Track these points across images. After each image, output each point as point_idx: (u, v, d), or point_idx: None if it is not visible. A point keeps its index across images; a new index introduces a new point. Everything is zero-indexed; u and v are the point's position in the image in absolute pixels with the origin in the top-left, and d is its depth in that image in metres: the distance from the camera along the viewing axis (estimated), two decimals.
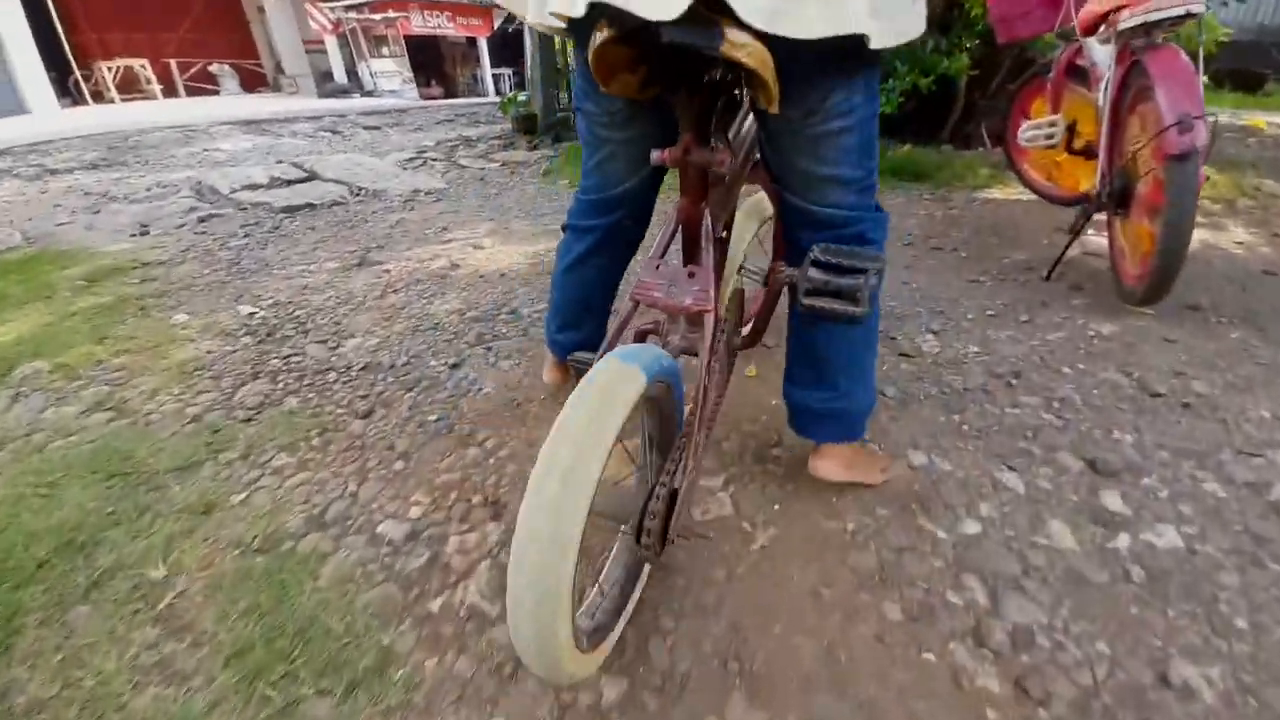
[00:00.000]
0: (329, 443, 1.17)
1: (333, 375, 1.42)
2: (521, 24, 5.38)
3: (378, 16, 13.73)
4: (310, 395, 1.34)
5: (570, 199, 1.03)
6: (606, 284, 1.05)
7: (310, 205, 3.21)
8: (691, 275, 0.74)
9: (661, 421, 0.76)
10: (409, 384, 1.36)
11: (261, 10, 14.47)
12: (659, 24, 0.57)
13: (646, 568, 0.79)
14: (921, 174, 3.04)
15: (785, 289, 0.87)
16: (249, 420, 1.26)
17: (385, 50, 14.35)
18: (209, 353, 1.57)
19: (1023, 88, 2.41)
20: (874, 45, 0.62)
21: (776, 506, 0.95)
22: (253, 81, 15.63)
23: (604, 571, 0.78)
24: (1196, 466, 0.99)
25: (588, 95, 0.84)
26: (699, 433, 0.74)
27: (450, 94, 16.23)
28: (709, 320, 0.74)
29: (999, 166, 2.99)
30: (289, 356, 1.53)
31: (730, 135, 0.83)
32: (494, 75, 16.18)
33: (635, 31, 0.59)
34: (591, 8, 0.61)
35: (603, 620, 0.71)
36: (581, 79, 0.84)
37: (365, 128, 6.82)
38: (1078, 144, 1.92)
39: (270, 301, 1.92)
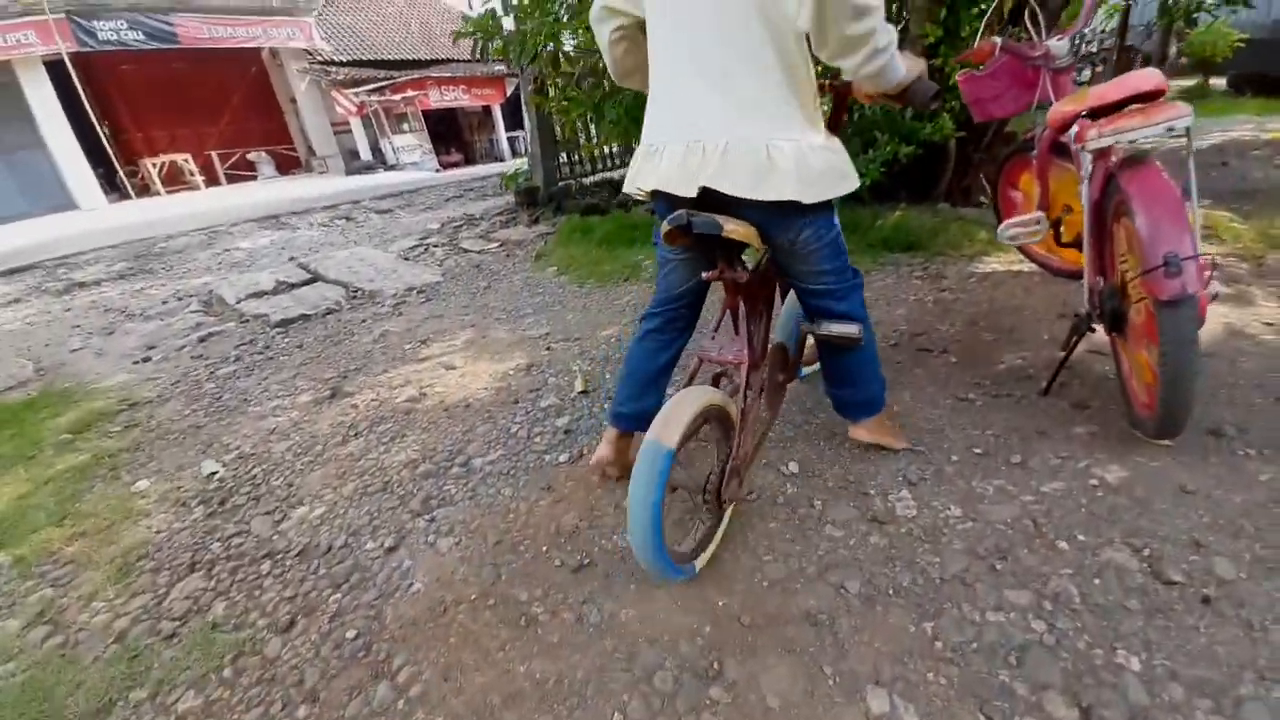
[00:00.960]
0: (241, 672, 1.09)
1: (267, 565, 1.35)
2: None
3: (398, 97, 14.55)
4: (238, 597, 1.27)
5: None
6: (664, 359, 1.34)
7: (304, 316, 3.27)
8: (733, 340, 1.19)
9: (721, 430, 1.15)
10: (338, 579, 1.28)
11: (294, 100, 15.53)
12: (691, 219, 0.96)
13: (726, 516, 1.21)
14: (915, 243, 2.89)
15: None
16: (172, 636, 1.20)
17: (406, 126, 15.14)
18: (158, 533, 1.54)
19: (1008, 160, 2.27)
20: (807, 201, 1.00)
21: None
22: (287, 164, 16.66)
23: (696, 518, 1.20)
24: (1213, 710, 0.81)
25: (659, 237, 1.13)
26: (740, 435, 1.13)
27: (469, 159, 16.95)
28: (744, 368, 1.16)
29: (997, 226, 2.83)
30: (232, 537, 1.48)
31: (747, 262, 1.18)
32: (509, 138, 16.85)
33: (683, 226, 0.97)
34: (652, 193, 1.09)
35: (696, 546, 1.14)
36: (656, 228, 1.17)
37: (378, 212, 7.08)
38: (1067, 236, 1.77)
39: (235, 453, 1.90)
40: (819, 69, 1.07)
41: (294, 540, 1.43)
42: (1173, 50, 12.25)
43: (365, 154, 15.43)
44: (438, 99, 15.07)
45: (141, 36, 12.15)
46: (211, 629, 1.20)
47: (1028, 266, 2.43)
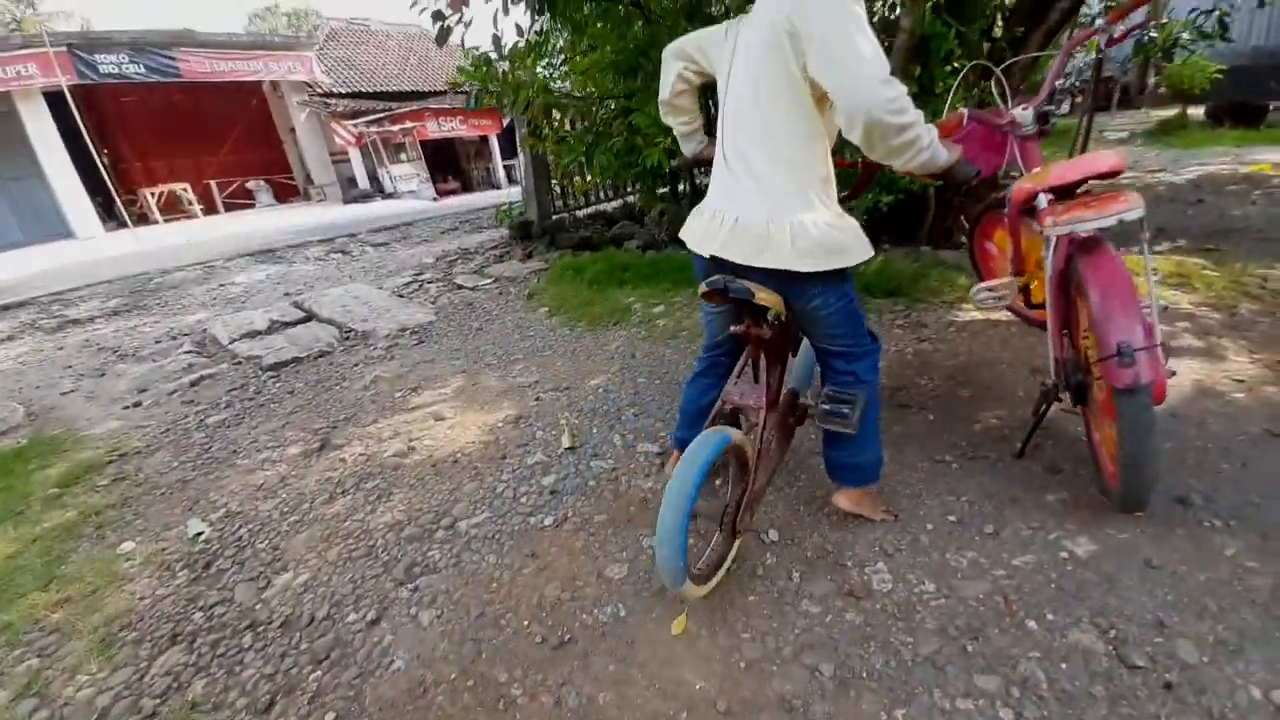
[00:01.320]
0: None
1: (249, 638, 1.36)
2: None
3: (396, 128, 14.79)
4: (219, 674, 1.27)
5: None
6: (709, 398, 1.44)
7: (297, 360, 3.29)
8: (753, 387, 1.33)
9: (739, 466, 1.30)
10: (320, 654, 1.28)
11: (293, 131, 15.76)
12: (728, 285, 1.12)
13: (736, 545, 1.34)
14: (896, 289, 2.96)
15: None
16: (152, 716, 1.20)
17: (404, 156, 15.36)
18: (142, 600, 1.54)
19: (982, 215, 2.34)
20: (802, 270, 1.11)
21: None
22: (285, 193, 16.84)
23: (710, 543, 1.33)
24: None
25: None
26: (755, 471, 1.28)
27: (466, 187, 17.17)
28: (761, 412, 1.29)
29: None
30: (215, 605, 1.48)
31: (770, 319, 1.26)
32: (505, 166, 17.10)
33: (720, 289, 1.13)
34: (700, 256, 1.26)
35: (710, 568, 1.29)
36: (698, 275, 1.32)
37: (374, 245, 7.15)
38: (1037, 297, 1.82)
39: (222, 511, 1.91)
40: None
41: (277, 610, 1.43)
42: (1151, 80, 12.62)
43: (363, 183, 15.63)
44: (435, 130, 15.32)
45: (143, 70, 12.37)
46: (191, 709, 1.20)
47: (1004, 316, 2.49)
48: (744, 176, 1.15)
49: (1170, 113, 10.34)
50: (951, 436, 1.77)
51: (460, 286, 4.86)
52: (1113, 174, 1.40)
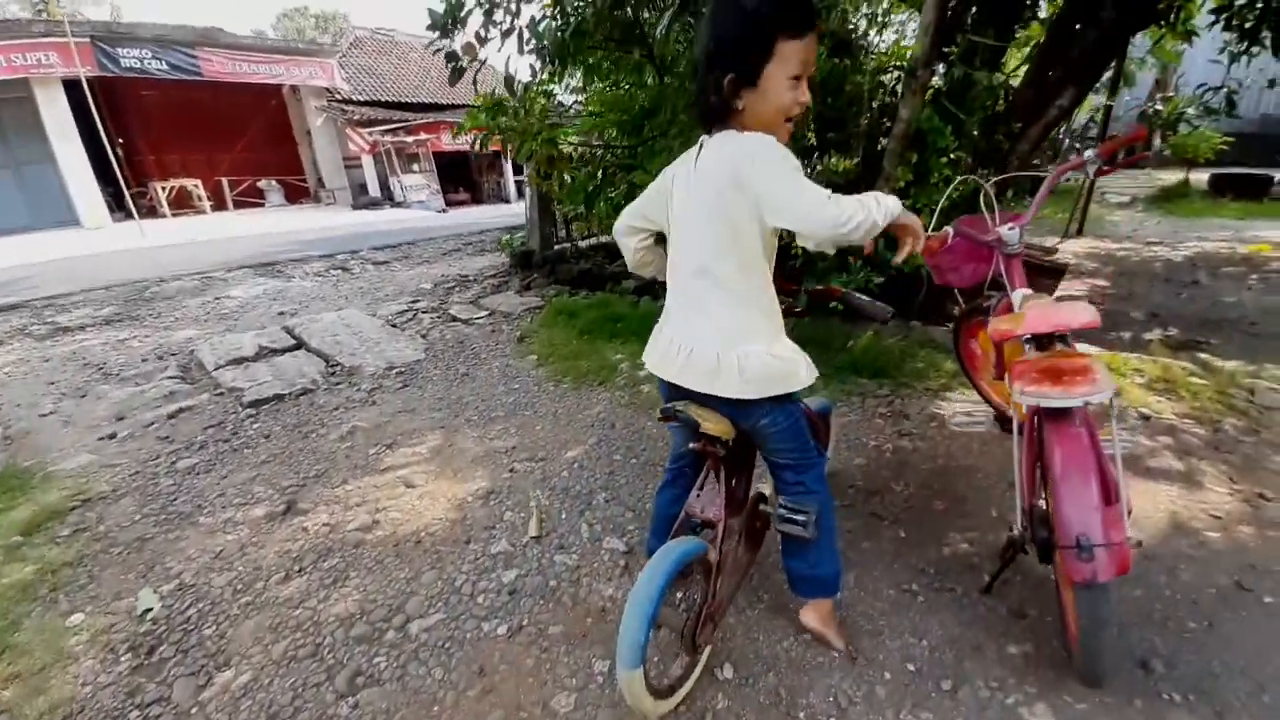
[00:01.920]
0: None
1: None
2: None
3: (411, 139, 14.95)
4: None
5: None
6: (679, 507, 1.42)
7: (278, 397, 3.27)
8: (713, 499, 1.35)
9: (703, 577, 1.32)
10: None
11: (309, 134, 15.93)
12: (677, 413, 1.22)
13: (702, 659, 1.39)
14: (882, 369, 2.94)
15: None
16: None
17: (416, 167, 15.51)
18: (85, 685, 1.50)
19: (966, 318, 2.34)
20: (749, 398, 1.19)
21: None
22: (296, 194, 16.98)
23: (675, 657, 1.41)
24: None
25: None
26: (714, 582, 1.31)
27: (476, 199, 17.31)
28: (720, 524, 1.33)
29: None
30: (152, 704, 1.44)
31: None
32: (516, 181, 17.24)
33: (672, 415, 1.24)
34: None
35: (672, 684, 1.31)
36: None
37: (374, 263, 7.18)
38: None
39: (175, 583, 1.87)
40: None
41: (212, 717, 1.39)
42: (1157, 142, 12.76)
43: (374, 190, 15.76)
44: (449, 142, 15.47)
45: (165, 67, 12.53)
46: None
47: (987, 412, 2.47)
48: (697, 313, 1.23)
49: (1173, 178, 10.42)
50: (921, 559, 1.73)
51: (454, 318, 4.85)
52: (1086, 329, 1.40)
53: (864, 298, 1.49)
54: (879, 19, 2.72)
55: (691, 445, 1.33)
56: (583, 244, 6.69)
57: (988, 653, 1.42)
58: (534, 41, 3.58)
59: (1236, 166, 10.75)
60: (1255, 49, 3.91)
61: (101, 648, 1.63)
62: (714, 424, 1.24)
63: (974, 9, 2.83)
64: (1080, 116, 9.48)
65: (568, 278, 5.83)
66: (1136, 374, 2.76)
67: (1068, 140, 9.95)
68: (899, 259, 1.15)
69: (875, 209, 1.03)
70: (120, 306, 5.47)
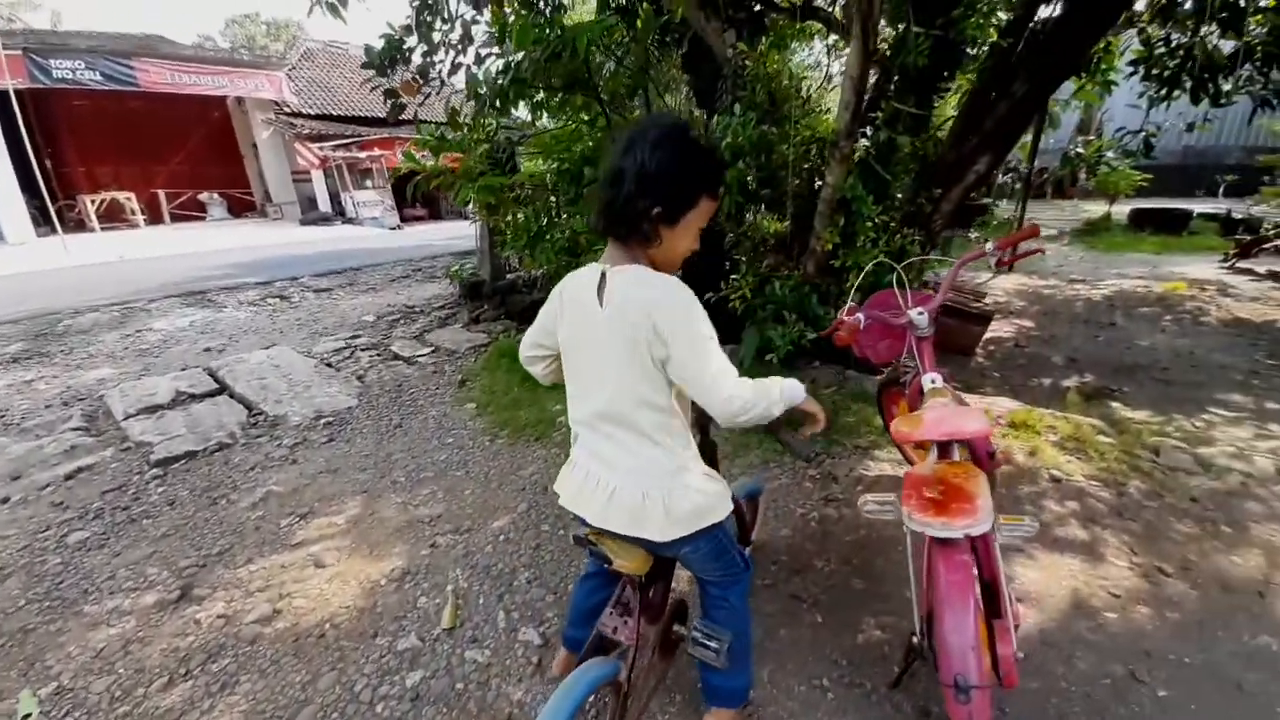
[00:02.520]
0: None
1: None
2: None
3: (363, 154, 14.60)
4: None
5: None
6: (598, 598, 1.44)
7: (190, 455, 3.07)
8: (625, 621, 1.32)
9: (616, 698, 1.32)
10: None
11: (255, 146, 15.37)
12: (590, 549, 1.25)
13: None
14: None
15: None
16: None
17: (369, 182, 15.14)
18: None
19: (885, 388, 2.40)
20: (673, 539, 1.18)
21: None
22: (241, 207, 16.32)
23: None
24: None
25: None
26: (623, 703, 1.31)
27: (434, 215, 17.00)
28: (631, 650, 1.31)
29: None
30: None
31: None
32: None
33: (584, 540, 1.25)
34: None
35: None
36: None
37: (316, 290, 6.91)
38: None
39: (54, 686, 1.71)
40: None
41: None
42: (1082, 176, 13.56)
43: (324, 205, 15.30)
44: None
45: (99, 77, 11.92)
46: None
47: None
48: (616, 451, 1.19)
49: (1095, 210, 11.10)
50: (835, 648, 1.73)
51: (396, 356, 4.70)
52: (976, 437, 1.44)
53: (793, 439, 1.45)
54: (804, 94, 2.80)
55: (607, 568, 1.30)
56: (536, 272, 6.62)
57: None
58: (472, 89, 3.53)
59: (1159, 198, 11.56)
60: (1176, 93, 4.21)
61: None
62: (628, 560, 1.23)
63: (895, 79, 2.94)
64: (1013, 156, 10.01)
65: (519, 309, 5.75)
66: (1050, 431, 2.88)
67: (999, 174, 10.50)
68: (802, 436, 1.29)
69: (776, 399, 1.13)
70: (30, 342, 5.08)
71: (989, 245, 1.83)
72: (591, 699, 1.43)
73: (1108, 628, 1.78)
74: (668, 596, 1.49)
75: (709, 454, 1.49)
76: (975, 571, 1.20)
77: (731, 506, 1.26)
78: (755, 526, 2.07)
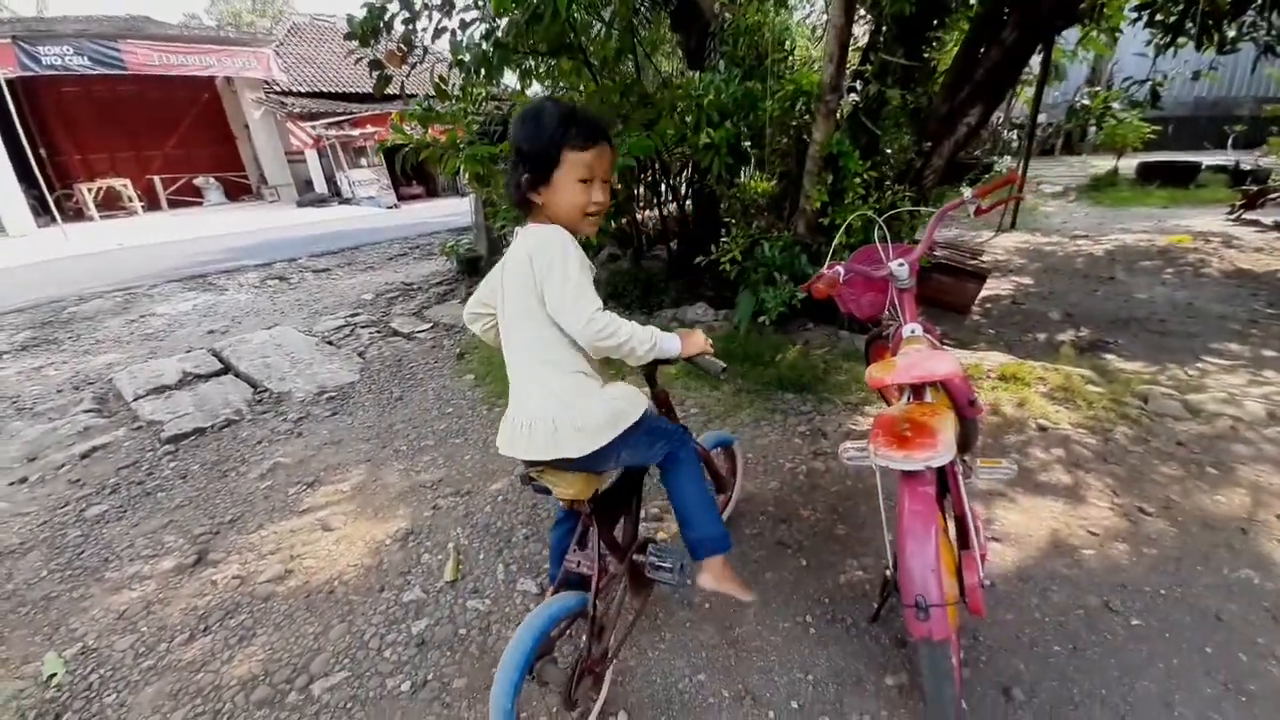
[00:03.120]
0: None
1: None
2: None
3: (357, 131, 14.42)
4: None
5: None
6: (571, 540, 1.51)
7: (199, 431, 3.16)
8: (588, 553, 1.42)
9: (587, 632, 1.36)
10: None
11: (247, 128, 15.20)
12: (531, 482, 1.33)
13: (595, 713, 1.45)
14: (807, 384, 3.02)
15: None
16: None
17: (364, 161, 14.99)
18: None
19: (872, 342, 2.42)
20: (585, 453, 1.23)
21: None
22: (237, 191, 16.23)
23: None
24: None
25: None
26: (593, 636, 1.36)
27: (431, 192, 16.86)
28: (594, 578, 1.37)
29: None
30: None
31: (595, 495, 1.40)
32: None
33: (526, 477, 1.33)
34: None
35: None
36: None
37: (315, 271, 6.95)
38: None
39: (79, 646, 1.82)
40: None
41: None
42: (1091, 130, 13.22)
43: (320, 186, 15.19)
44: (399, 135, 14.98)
45: (87, 62, 11.77)
46: None
47: None
48: (531, 387, 1.30)
49: (1104, 166, 10.85)
50: (818, 589, 1.81)
51: (395, 332, 4.76)
52: (948, 379, 1.47)
53: (700, 361, 1.43)
54: (788, 46, 2.75)
55: (562, 505, 1.41)
56: None
57: (867, 686, 1.49)
58: (455, 55, 3.49)
59: (1167, 152, 11.28)
60: (1181, 40, 4.11)
61: (14, 713, 1.58)
62: (567, 487, 1.30)
63: (885, 30, 2.88)
64: (1018, 105, 9.74)
65: None
66: (1040, 383, 2.91)
67: (1005, 130, 10.26)
68: (687, 354, 1.35)
69: (644, 339, 1.22)
70: (37, 330, 5.17)
71: (968, 193, 1.83)
72: (570, 633, 1.51)
73: (1084, 564, 1.84)
74: (635, 534, 1.56)
75: (662, 403, 1.60)
76: (938, 502, 1.25)
77: (644, 406, 1.32)
78: (738, 479, 2.13)
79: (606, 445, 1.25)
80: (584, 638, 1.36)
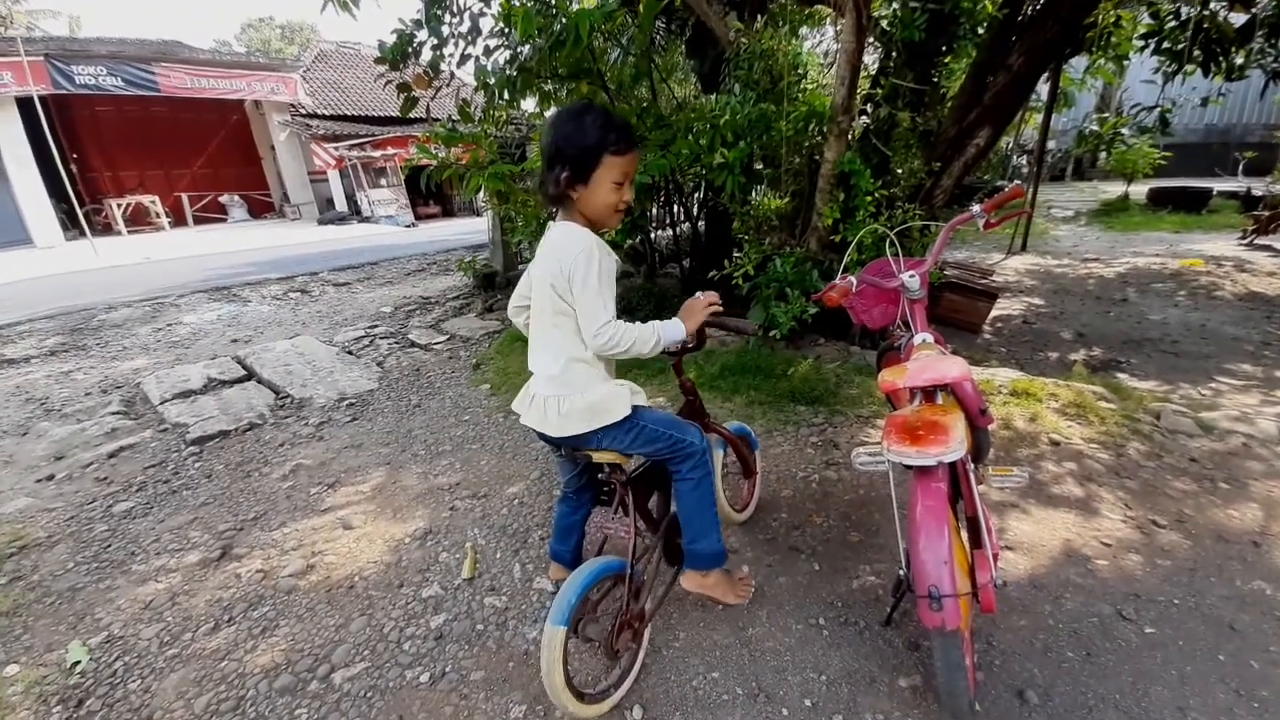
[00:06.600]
0: None
1: None
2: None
3: (378, 153, 14.84)
4: None
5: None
6: (577, 517, 1.69)
7: (223, 434, 3.25)
8: (622, 520, 1.55)
9: (624, 591, 1.47)
10: None
11: (273, 149, 15.69)
12: (574, 452, 1.49)
13: (635, 669, 1.56)
14: (819, 397, 3.06)
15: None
16: None
17: (384, 181, 15.38)
18: None
19: (883, 354, 2.47)
20: (588, 430, 1.38)
21: None
22: (260, 209, 16.70)
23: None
24: None
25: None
26: (627, 597, 1.46)
27: (447, 212, 17.23)
28: (630, 540, 1.48)
29: None
30: None
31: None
32: None
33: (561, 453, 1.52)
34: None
35: (603, 690, 1.48)
36: None
37: (335, 285, 7.12)
38: None
39: (104, 635, 1.87)
40: None
41: None
42: (1101, 156, 13.30)
43: (340, 205, 15.59)
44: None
45: (121, 83, 12.27)
46: None
47: None
48: (539, 364, 1.45)
49: (1115, 191, 10.89)
50: (831, 592, 1.83)
51: (413, 344, 4.86)
52: (958, 383, 1.52)
53: (734, 319, 1.70)
54: (800, 70, 2.86)
55: (600, 476, 1.59)
56: None
57: (880, 686, 1.51)
58: (481, 80, 3.65)
59: (1178, 178, 11.32)
60: (1189, 68, 4.19)
61: (36, 699, 1.63)
62: (606, 455, 1.43)
63: (895, 55, 2.99)
64: (1026, 130, 9.87)
65: None
66: (1052, 399, 2.92)
67: (1015, 155, 10.37)
68: (692, 328, 1.48)
69: (648, 338, 1.35)
70: (66, 336, 5.33)
71: (976, 208, 1.89)
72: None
73: (1098, 573, 1.85)
74: (667, 509, 1.67)
75: (689, 391, 1.80)
76: (949, 498, 1.28)
77: (629, 409, 1.40)
78: (757, 476, 2.20)
79: (605, 429, 1.39)
80: (625, 596, 1.46)
